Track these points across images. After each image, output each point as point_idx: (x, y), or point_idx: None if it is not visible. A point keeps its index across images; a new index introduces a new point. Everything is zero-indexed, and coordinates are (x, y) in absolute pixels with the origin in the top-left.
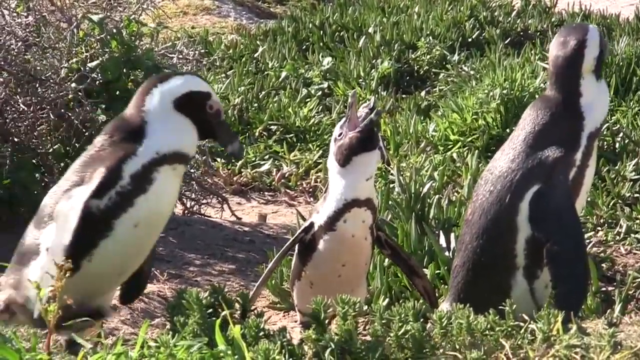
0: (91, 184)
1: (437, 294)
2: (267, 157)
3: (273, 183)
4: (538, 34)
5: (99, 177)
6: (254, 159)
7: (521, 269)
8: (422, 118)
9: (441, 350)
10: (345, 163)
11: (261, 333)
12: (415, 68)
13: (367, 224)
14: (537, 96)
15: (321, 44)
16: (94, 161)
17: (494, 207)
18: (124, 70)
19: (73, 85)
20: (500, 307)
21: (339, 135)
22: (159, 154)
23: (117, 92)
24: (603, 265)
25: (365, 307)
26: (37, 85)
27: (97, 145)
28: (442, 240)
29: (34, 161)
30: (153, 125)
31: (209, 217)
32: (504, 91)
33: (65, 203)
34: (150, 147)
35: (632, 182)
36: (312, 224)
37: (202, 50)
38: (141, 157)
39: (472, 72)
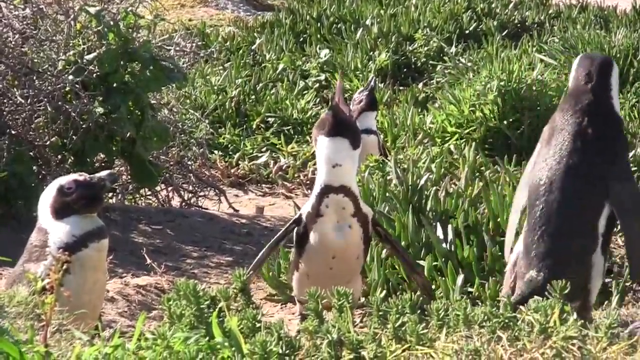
0: None
1: (433, 289)
2: (264, 149)
3: (270, 175)
4: (535, 25)
5: None
6: (251, 151)
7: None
8: (419, 110)
9: (438, 342)
10: (315, 143)
11: (258, 325)
12: (413, 60)
13: (347, 212)
14: (534, 88)
15: (318, 36)
16: None
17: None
18: (121, 63)
19: (70, 77)
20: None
21: None
22: None
23: (115, 85)
24: None
25: (363, 300)
26: (34, 77)
27: None
28: (440, 232)
29: (31, 154)
30: None
31: (206, 209)
32: (501, 83)
33: None
34: None
35: None
36: (301, 215)
37: (200, 43)
38: None
39: (469, 64)
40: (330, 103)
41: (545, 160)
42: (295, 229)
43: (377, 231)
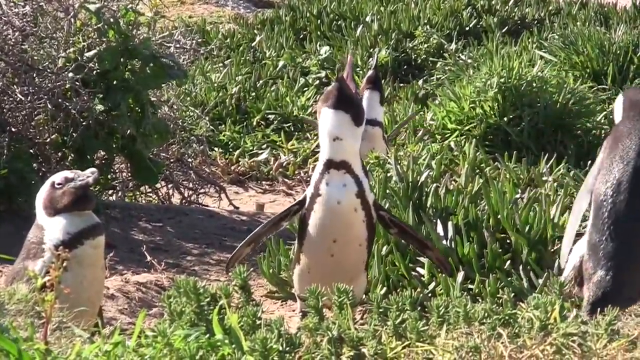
0: None
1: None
2: (264, 146)
3: (271, 172)
4: (535, 22)
5: None
6: (251, 148)
7: None
8: (419, 107)
9: (438, 339)
10: (318, 116)
11: (259, 322)
12: (413, 57)
13: (350, 190)
14: (534, 84)
15: (319, 32)
16: None
17: None
18: (121, 60)
19: (70, 74)
20: None
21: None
22: None
23: (115, 82)
24: None
25: (363, 297)
26: (35, 75)
27: None
28: (440, 229)
29: (31, 151)
30: None
31: (207, 206)
32: (502, 80)
33: None
34: None
35: None
36: (305, 197)
37: (200, 40)
38: None
39: (469, 61)
40: (336, 76)
41: (612, 162)
42: (299, 212)
43: (381, 216)
